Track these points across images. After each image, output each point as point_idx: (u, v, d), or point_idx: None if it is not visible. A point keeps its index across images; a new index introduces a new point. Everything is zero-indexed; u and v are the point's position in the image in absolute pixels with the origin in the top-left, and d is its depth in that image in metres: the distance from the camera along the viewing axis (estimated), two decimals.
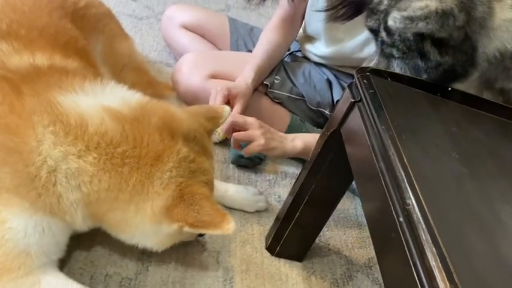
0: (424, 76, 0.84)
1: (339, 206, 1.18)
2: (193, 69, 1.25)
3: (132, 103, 0.81)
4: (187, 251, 0.98)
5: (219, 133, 1.23)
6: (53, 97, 0.75)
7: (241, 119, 1.13)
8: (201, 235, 0.97)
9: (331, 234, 1.16)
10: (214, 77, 1.25)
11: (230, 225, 0.74)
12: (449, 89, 0.86)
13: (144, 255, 0.94)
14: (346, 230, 1.20)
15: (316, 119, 1.36)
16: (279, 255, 1.04)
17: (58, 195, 0.73)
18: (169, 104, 0.89)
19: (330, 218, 1.20)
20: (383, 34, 0.84)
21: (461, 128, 0.76)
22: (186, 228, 0.76)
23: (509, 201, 0.61)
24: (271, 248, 1.04)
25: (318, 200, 0.96)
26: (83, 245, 0.92)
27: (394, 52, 0.84)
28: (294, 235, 1.01)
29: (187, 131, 0.83)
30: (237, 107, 1.17)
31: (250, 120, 1.13)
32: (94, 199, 0.74)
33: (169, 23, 1.53)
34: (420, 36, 0.79)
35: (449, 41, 0.78)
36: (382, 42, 0.85)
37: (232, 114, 1.16)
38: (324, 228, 1.16)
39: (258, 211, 1.14)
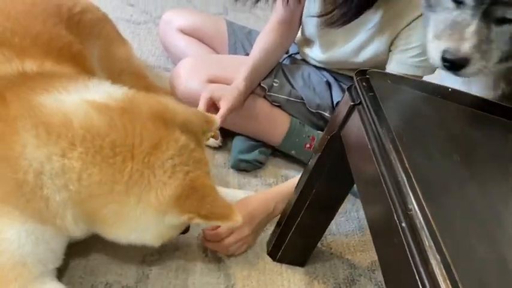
0: None
1: (340, 208, 1.17)
2: (191, 73, 1.24)
3: (118, 96, 0.79)
4: (188, 258, 0.97)
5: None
6: (36, 100, 0.73)
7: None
8: (186, 229, 0.91)
9: (332, 238, 1.15)
10: (212, 81, 1.24)
11: (238, 217, 0.75)
12: (450, 89, 0.85)
13: (144, 263, 0.93)
14: (348, 233, 1.18)
15: (316, 121, 1.35)
16: (281, 260, 1.03)
17: (46, 199, 0.71)
18: (164, 96, 0.86)
19: (332, 222, 1.19)
20: None
21: (462, 130, 0.75)
22: (197, 220, 0.74)
23: (511, 201, 0.60)
24: (272, 254, 1.03)
25: (319, 204, 0.95)
26: (81, 254, 0.91)
27: (509, 14, 0.70)
28: (296, 240, 1.00)
29: (184, 122, 0.80)
30: (222, 108, 1.14)
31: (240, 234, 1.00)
32: (86, 196, 0.71)
33: (167, 27, 1.52)
34: None
35: None
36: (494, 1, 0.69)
37: (218, 115, 1.12)
38: (326, 232, 1.14)
39: None
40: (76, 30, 1.08)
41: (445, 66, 0.77)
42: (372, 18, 1.15)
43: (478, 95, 0.87)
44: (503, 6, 0.69)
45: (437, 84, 0.91)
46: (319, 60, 1.35)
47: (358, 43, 1.21)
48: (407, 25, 1.10)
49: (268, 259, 1.03)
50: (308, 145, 1.32)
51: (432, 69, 1.14)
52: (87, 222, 0.77)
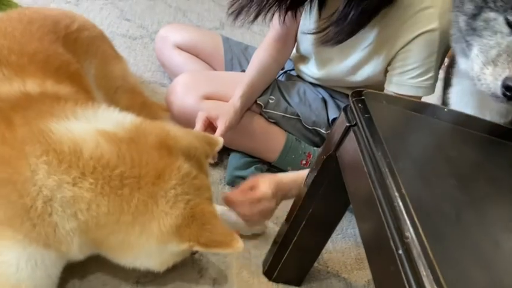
0: None
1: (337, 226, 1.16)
2: (187, 90, 1.24)
3: (125, 124, 0.81)
4: (183, 278, 0.96)
5: None
6: (45, 125, 0.74)
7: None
8: (194, 253, 0.96)
9: (329, 256, 1.14)
10: (208, 97, 1.24)
11: (240, 244, 0.76)
12: (445, 109, 0.85)
13: (139, 284, 0.92)
14: (345, 251, 1.18)
15: (312, 138, 1.35)
16: (277, 280, 1.02)
17: (54, 225, 0.71)
18: (165, 123, 0.88)
19: (328, 240, 1.19)
20: None
21: (459, 151, 0.75)
22: (197, 248, 0.76)
23: (510, 229, 0.60)
24: (268, 273, 1.02)
25: (316, 223, 0.95)
26: (76, 275, 0.89)
27: None
28: (292, 259, 0.99)
29: (187, 148, 0.82)
30: (220, 127, 1.15)
31: (265, 188, 1.03)
32: (93, 225, 0.73)
33: (163, 43, 1.52)
34: None
35: None
36: None
37: (216, 133, 1.14)
38: (322, 251, 1.14)
39: (254, 234, 1.12)
40: (73, 48, 1.08)
41: (505, 95, 0.70)
42: (367, 37, 1.15)
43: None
44: None
45: (432, 105, 0.92)
46: (315, 77, 1.35)
47: (354, 62, 1.21)
48: (405, 45, 1.10)
49: (264, 279, 1.02)
50: (304, 161, 1.32)
51: (432, 89, 1.14)
52: (93, 248, 0.79)
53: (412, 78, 1.12)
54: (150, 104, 1.29)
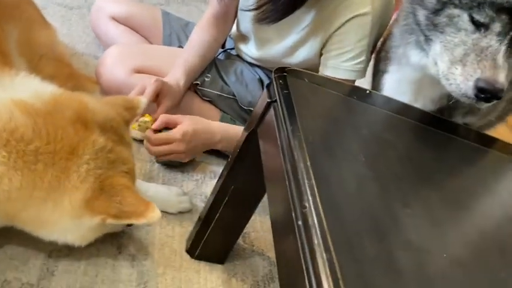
0: None
1: (267, 206, 1.16)
2: (117, 62, 1.19)
3: (45, 95, 0.78)
4: (99, 254, 0.93)
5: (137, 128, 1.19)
6: None
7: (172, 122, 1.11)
8: (129, 225, 0.95)
9: (256, 235, 1.15)
10: (140, 71, 1.20)
11: (154, 213, 0.74)
12: (368, 91, 0.87)
13: (50, 259, 0.88)
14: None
15: (248, 118, 1.34)
16: (199, 257, 1.01)
17: None
18: (84, 94, 0.85)
19: (257, 219, 1.19)
20: None
21: (373, 131, 0.76)
22: (110, 220, 0.75)
23: (409, 204, 0.62)
24: (191, 251, 1.01)
25: (238, 200, 0.94)
26: None
27: None
28: (215, 236, 0.99)
29: (104, 120, 0.81)
30: (163, 106, 1.13)
31: (177, 132, 1.10)
32: (4, 199, 0.70)
33: (99, 13, 1.46)
34: None
35: None
36: None
37: (158, 112, 1.13)
38: (250, 229, 1.14)
39: (181, 212, 1.10)
40: None
41: (478, 96, 0.67)
42: (304, 19, 1.16)
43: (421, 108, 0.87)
44: None
45: (355, 86, 0.93)
46: (253, 57, 1.34)
47: (291, 43, 1.21)
48: (338, 28, 1.11)
49: (186, 256, 1.01)
50: None
51: (364, 73, 1.16)
52: (5, 221, 0.77)
53: (346, 61, 1.13)
54: (78, 76, 1.23)
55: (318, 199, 0.53)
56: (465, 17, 0.68)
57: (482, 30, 0.68)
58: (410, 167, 0.71)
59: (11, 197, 0.71)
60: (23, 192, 0.71)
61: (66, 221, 0.76)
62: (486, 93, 0.66)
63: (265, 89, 0.81)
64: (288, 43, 1.22)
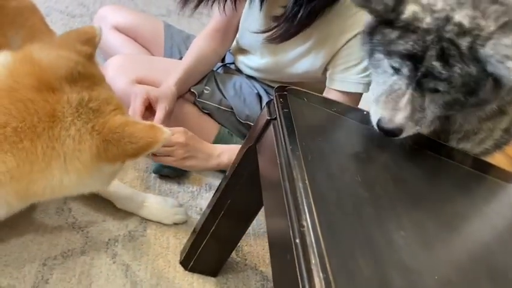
0: (451, 112, 0.78)
1: (261, 220, 1.18)
2: (119, 72, 1.21)
3: (3, 72, 0.73)
4: (94, 263, 0.93)
5: None
6: None
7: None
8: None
9: (249, 249, 1.16)
10: (140, 82, 1.21)
11: (165, 133, 0.73)
12: (365, 112, 0.89)
13: (45, 266, 0.88)
14: (265, 246, 1.19)
15: (245, 132, 1.35)
16: (193, 269, 1.02)
17: None
18: (32, 49, 0.78)
19: (250, 233, 1.20)
20: (435, 64, 0.69)
21: (370, 152, 0.78)
22: (130, 159, 0.75)
23: (404, 226, 0.63)
24: (185, 263, 1.02)
25: (234, 214, 0.95)
26: None
27: (441, 86, 0.71)
28: (209, 249, 0.99)
29: (66, 71, 0.75)
30: (159, 111, 1.13)
31: (176, 138, 1.11)
32: (7, 179, 0.69)
33: (101, 23, 1.47)
34: (485, 74, 0.69)
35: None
36: (426, 73, 0.71)
37: (156, 120, 1.13)
38: (243, 243, 1.15)
39: (176, 224, 1.11)
40: None
41: (382, 131, 0.77)
42: (311, 33, 1.17)
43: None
44: (434, 79, 0.71)
45: (351, 107, 0.95)
46: (254, 67, 1.35)
47: (295, 54, 1.23)
48: (345, 43, 1.13)
49: (180, 268, 1.01)
50: None
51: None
52: (23, 201, 0.76)
53: (353, 74, 1.14)
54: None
55: (315, 218, 0.55)
56: (386, 61, 0.76)
57: (398, 74, 0.75)
58: (405, 189, 0.72)
59: (14, 176, 0.70)
60: (22, 169, 0.70)
61: (85, 178, 0.75)
62: (383, 131, 0.76)
63: (265, 107, 0.83)
64: (293, 55, 1.24)
